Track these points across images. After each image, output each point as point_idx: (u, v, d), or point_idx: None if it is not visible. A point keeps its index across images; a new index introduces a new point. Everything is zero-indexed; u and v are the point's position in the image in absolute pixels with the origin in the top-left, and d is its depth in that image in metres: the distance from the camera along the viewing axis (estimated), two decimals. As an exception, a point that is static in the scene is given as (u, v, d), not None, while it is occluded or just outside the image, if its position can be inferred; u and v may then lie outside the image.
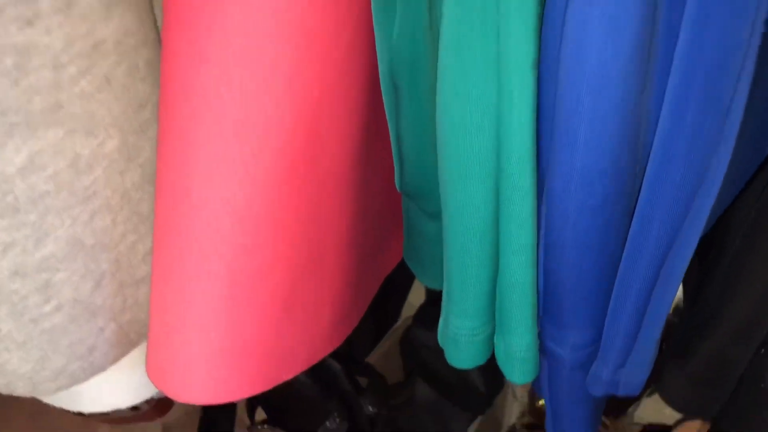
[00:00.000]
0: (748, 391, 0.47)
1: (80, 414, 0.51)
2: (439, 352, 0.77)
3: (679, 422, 0.70)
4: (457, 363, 0.43)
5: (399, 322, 0.95)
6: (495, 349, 0.42)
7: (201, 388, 0.42)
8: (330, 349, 0.49)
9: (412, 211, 0.48)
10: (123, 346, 0.44)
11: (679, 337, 0.49)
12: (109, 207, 0.38)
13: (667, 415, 0.85)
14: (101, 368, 0.44)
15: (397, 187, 0.44)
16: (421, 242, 0.50)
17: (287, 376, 0.46)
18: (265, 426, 0.69)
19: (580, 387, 0.44)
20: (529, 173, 0.34)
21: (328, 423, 0.68)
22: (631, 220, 0.36)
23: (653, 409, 0.85)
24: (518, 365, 0.41)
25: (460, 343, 0.41)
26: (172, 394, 0.42)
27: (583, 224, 0.35)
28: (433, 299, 0.78)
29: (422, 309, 0.80)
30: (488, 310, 0.40)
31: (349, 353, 0.79)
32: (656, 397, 0.81)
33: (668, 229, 0.35)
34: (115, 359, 0.44)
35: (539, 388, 0.47)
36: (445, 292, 0.41)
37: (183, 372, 0.41)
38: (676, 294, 0.38)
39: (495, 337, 0.41)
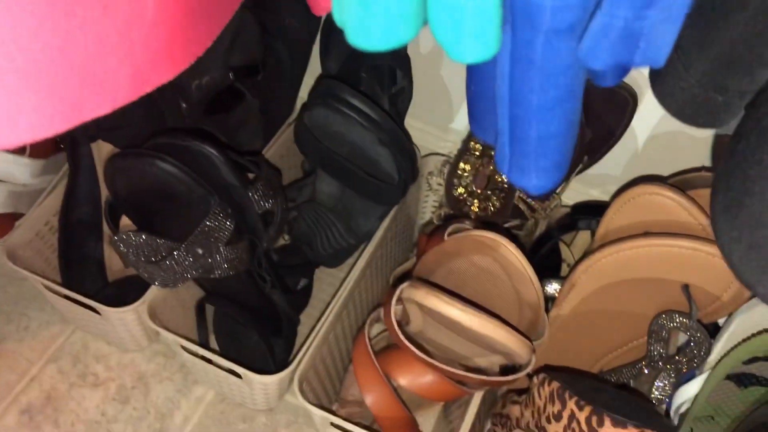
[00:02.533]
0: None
1: None
2: (343, 135, 0.64)
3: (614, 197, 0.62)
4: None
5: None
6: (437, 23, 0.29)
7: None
8: (168, 74, 0.35)
9: None
10: None
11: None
12: None
13: (594, 195, 0.79)
14: None
15: None
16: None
17: (101, 107, 0.32)
18: (133, 233, 0.55)
19: (559, 67, 0.32)
20: None
21: (208, 222, 0.55)
22: None
23: (579, 191, 0.78)
24: (471, 26, 0.28)
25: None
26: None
27: None
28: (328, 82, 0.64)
29: (316, 87, 0.65)
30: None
31: (234, 147, 0.64)
32: (583, 177, 0.74)
33: None
34: None
35: (483, 128, 0.35)
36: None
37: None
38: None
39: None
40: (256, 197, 0.59)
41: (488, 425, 0.69)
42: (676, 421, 0.62)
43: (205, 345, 0.65)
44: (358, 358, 0.61)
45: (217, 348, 0.74)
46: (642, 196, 0.59)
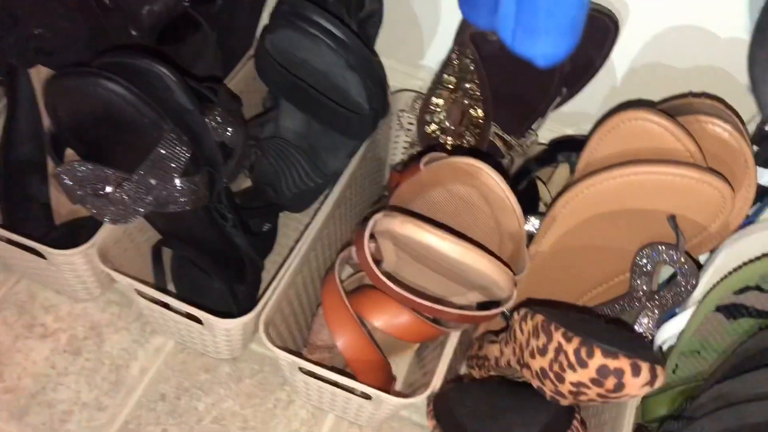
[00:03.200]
0: None
1: None
2: (308, 59, 0.59)
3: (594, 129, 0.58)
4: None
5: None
6: None
7: None
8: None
9: None
10: None
11: None
12: None
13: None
14: None
15: None
16: None
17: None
18: (78, 163, 0.50)
19: None
20: None
21: (161, 149, 0.50)
22: None
23: (555, 131, 0.75)
24: None
25: None
26: None
27: None
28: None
29: (278, 7, 0.60)
30: None
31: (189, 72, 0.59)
32: (559, 115, 0.71)
33: None
34: None
35: (476, 9, 0.31)
36: None
37: None
38: None
39: None
40: (213, 124, 0.54)
41: (463, 369, 0.66)
42: (658, 359, 0.60)
43: (163, 291, 0.61)
44: (328, 297, 0.57)
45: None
46: (627, 123, 0.55)
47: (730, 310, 0.51)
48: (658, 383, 0.44)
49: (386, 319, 0.57)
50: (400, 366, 0.69)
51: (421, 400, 0.54)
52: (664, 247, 0.54)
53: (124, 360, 0.67)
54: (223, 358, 0.68)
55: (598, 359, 0.42)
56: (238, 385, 0.67)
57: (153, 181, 0.50)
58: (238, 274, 0.66)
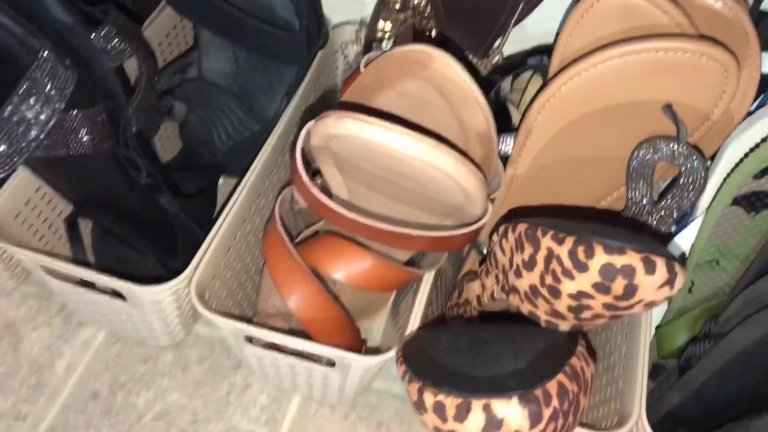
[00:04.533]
0: None
1: None
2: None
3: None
4: None
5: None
6: None
7: None
8: None
9: None
10: None
11: None
12: None
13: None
14: None
15: None
16: None
17: None
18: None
19: None
20: None
21: (36, 71, 0.40)
22: None
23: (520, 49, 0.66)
24: None
25: None
26: None
27: None
28: None
29: None
30: None
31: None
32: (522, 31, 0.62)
33: None
34: None
35: None
36: None
37: None
38: None
39: None
40: (106, 46, 0.44)
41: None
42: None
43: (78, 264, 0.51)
44: (270, 248, 0.47)
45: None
46: (603, 0, 0.47)
47: (751, 201, 0.42)
48: (678, 284, 0.34)
49: (346, 267, 0.48)
50: (374, 334, 0.59)
51: (392, 356, 0.44)
52: (662, 141, 0.45)
53: (47, 359, 0.57)
54: (163, 345, 0.58)
55: (600, 257, 0.33)
56: (185, 375, 0.57)
57: (30, 114, 0.40)
58: (170, 245, 0.56)
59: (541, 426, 0.32)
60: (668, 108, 0.45)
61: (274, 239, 0.47)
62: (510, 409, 0.31)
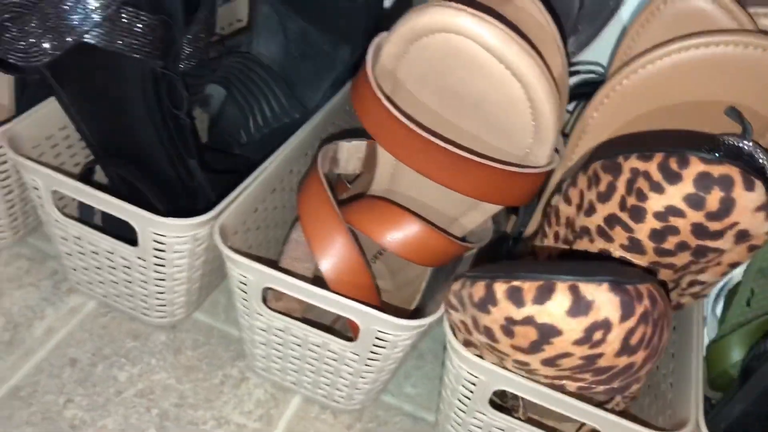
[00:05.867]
0: None
1: None
2: None
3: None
4: None
5: None
6: None
7: None
8: None
9: None
10: None
11: None
12: None
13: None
14: None
15: None
16: None
17: None
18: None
19: None
20: None
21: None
22: None
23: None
24: None
25: None
26: None
27: None
28: None
29: None
30: None
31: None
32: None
33: None
34: None
35: None
36: None
37: None
38: None
39: None
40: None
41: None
42: (721, 304, 0.48)
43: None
44: (307, 197, 0.44)
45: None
46: (671, 4, 0.47)
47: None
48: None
49: (388, 231, 0.44)
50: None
51: (435, 318, 0.40)
52: (727, 138, 0.44)
53: (26, 318, 0.51)
54: (157, 323, 0.52)
55: (696, 166, 0.31)
56: (177, 357, 0.51)
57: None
58: (189, 210, 0.53)
59: (632, 322, 0.28)
60: (732, 110, 0.44)
61: (313, 186, 0.44)
62: (601, 294, 0.27)
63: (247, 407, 0.49)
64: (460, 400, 0.43)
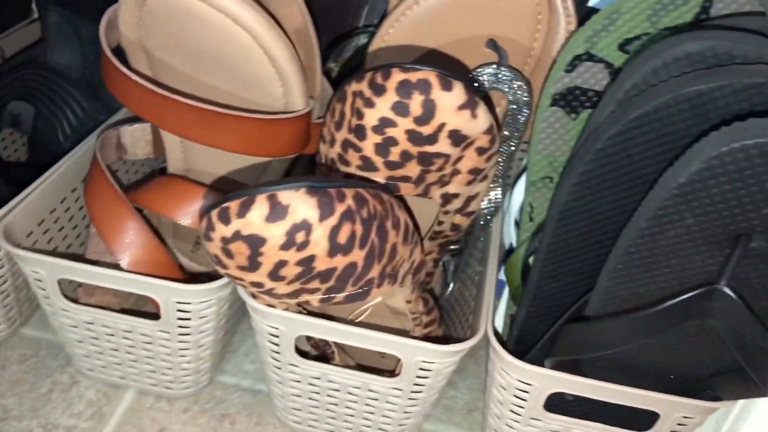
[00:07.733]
0: None
1: None
2: None
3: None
4: None
5: None
6: None
7: None
8: None
9: None
10: None
11: None
12: None
13: None
14: None
15: None
16: None
17: None
18: None
19: None
20: None
21: None
22: None
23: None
24: None
25: None
26: None
27: None
28: None
29: None
30: None
31: None
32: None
33: None
34: None
35: None
36: None
37: None
38: None
39: None
40: None
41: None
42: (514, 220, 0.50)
43: None
44: (91, 188, 0.44)
45: None
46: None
47: (569, 101, 0.43)
48: (481, 114, 0.34)
49: (175, 206, 0.45)
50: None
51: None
52: (485, 65, 0.46)
53: None
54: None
55: (396, 76, 0.32)
56: (1, 374, 0.50)
57: None
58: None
59: (334, 220, 0.29)
60: (490, 41, 0.47)
61: (94, 176, 0.44)
62: (297, 198, 0.28)
63: (78, 408, 0.48)
64: (271, 357, 0.43)
